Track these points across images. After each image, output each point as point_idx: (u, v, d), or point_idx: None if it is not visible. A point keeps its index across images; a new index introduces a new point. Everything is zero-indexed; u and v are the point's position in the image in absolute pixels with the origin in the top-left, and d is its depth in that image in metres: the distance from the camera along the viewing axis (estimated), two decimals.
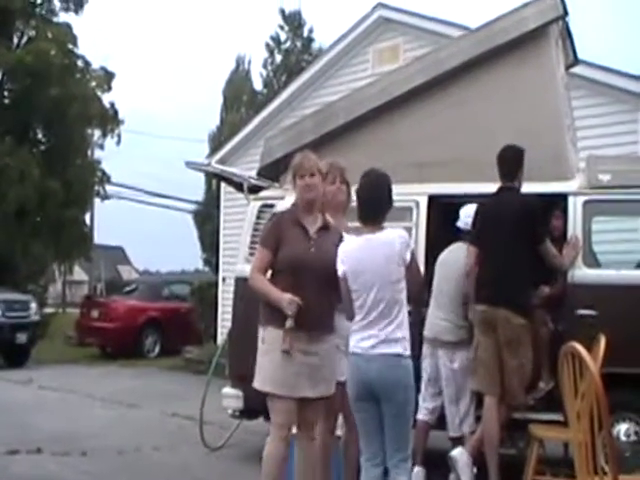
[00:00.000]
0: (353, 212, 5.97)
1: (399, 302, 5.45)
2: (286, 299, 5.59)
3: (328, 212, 6.37)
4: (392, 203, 5.68)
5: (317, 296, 5.73)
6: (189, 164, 10.52)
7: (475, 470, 7.13)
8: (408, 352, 5.46)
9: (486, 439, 7.07)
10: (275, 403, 5.73)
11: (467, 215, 7.68)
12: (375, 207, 5.64)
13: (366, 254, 5.50)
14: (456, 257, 7.59)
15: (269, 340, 5.75)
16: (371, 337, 5.40)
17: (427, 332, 7.66)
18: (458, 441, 7.53)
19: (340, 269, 5.59)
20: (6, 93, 27.10)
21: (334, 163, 6.59)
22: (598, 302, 7.23)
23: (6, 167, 23.53)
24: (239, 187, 9.62)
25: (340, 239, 5.93)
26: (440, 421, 7.73)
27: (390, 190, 5.65)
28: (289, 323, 5.58)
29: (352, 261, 5.55)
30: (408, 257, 5.47)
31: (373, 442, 5.54)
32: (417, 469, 7.33)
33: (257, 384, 5.81)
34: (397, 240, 5.49)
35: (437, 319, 7.62)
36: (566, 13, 8.45)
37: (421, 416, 7.60)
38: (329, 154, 8.38)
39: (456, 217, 7.82)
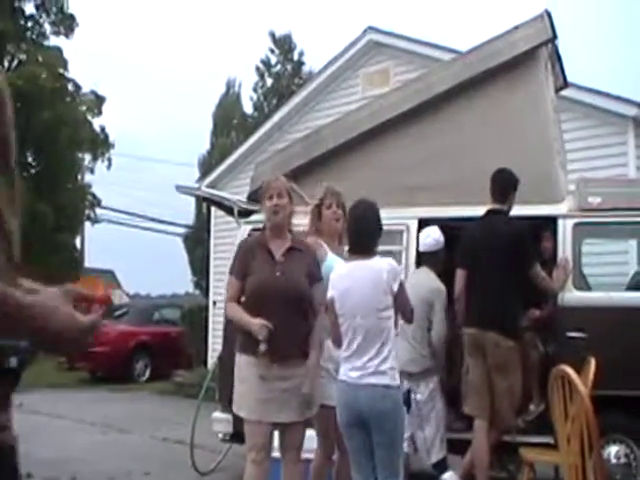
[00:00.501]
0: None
1: (385, 330, 5.46)
2: (256, 324, 5.56)
3: (324, 238, 6.40)
4: (381, 232, 5.72)
5: (287, 320, 5.68)
6: (180, 188, 10.54)
7: None
8: (396, 382, 5.47)
9: (476, 462, 7.07)
10: (248, 427, 5.76)
11: (426, 236, 7.70)
12: (364, 238, 5.68)
13: (353, 280, 5.53)
14: (417, 281, 7.54)
15: (243, 366, 5.79)
16: (358, 368, 5.42)
17: None
18: (437, 466, 7.52)
19: (329, 293, 5.62)
20: None
21: (330, 188, 6.60)
22: (588, 324, 7.25)
23: None
24: (229, 211, 9.63)
25: (313, 259, 5.99)
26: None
27: (379, 219, 5.69)
28: (262, 347, 5.55)
29: (339, 286, 5.58)
30: (396, 287, 5.48)
31: (364, 468, 5.53)
32: None
33: (234, 408, 5.89)
34: (385, 268, 5.51)
35: (401, 349, 7.56)
36: (555, 36, 8.50)
37: None
38: (319, 178, 8.42)
39: (447, 240, 7.82)
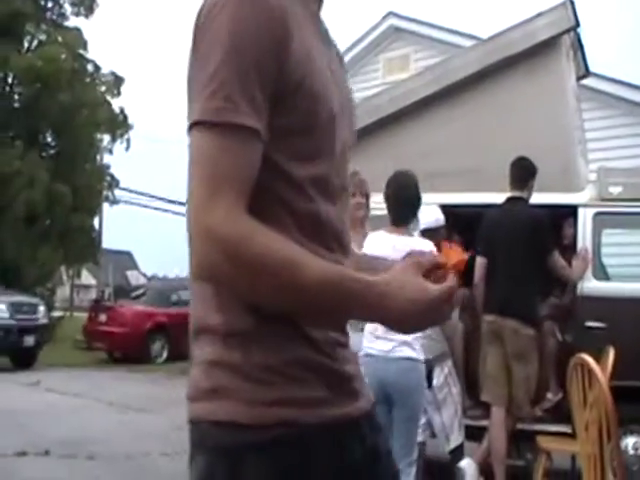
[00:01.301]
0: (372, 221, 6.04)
1: None
2: None
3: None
4: (421, 201, 5.75)
5: None
6: None
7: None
8: (422, 356, 5.53)
9: (493, 450, 7.08)
10: None
11: (427, 215, 7.66)
12: (406, 207, 5.68)
13: (395, 252, 5.46)
14: None
15: None
16: (390, 340, 5.44)
17: None
18: (453, 453, 7.52)
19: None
20: (16, 97, 27.20)
21: (354, 175, 6.56)
22: (607, 314, 7.24)
23: (16, 171, 23.60)
24: None
25: None
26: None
27: (418, 189, 5.71)
28: None
29: (379, 252, 5.50)
30: None
31: None
32: None
33: None
34: (424, 247, 5.54)
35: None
36: (578, 24, 8.47)
37: None
38: None
39: (466, 227, 7.83)
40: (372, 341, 5.55)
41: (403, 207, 5.74)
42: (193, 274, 1.69)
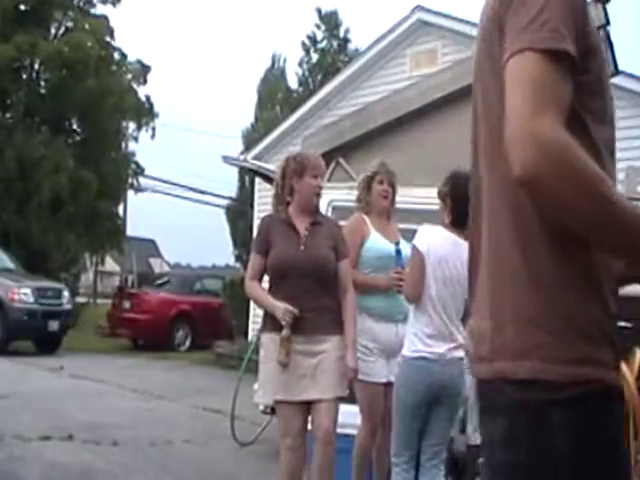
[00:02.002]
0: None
1: (461, 310, 5.51)
2: (281, 308, 5.43)
3: (371, 215, 6.40)
4: None
5: (312, 295, 5.58)
6: (227, 159, 10.64)
7: None
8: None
9: None
10: (280, 410, 5.61)
11: None
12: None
13: (455, 255, 5.38)
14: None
15: (266, 346, 5.63)
16: (446, 342, 5.41)
17: None
18: (476, 448, 7.52)
19: (423, 248, 5.46)
20: (43, 83, 27.35)
21: (384, 164, 6.55)
22: (634, 314, 7.22)
23: (41, 158, 23.75)
24: None
25: (340, 234, 5.86)
26: None
27: None
28: (285, 333, 5.42)
29: (439, 250, 5.46)
30: None
31: (413, 446, 5.56)
32: None
33: (257, 397, 5.83)
34: None
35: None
36: (608, 22, 8.42)
37: None
38: (366, 155, 8.48)
39: None
40: (426, 343, 5.45)
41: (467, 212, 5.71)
42: (515, 179, 1.72)
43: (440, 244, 5.49)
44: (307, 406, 5.56)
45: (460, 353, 5.44)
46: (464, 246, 5.51)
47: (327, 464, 5.59)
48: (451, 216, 5.55)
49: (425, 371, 5.44)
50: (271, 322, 5.54)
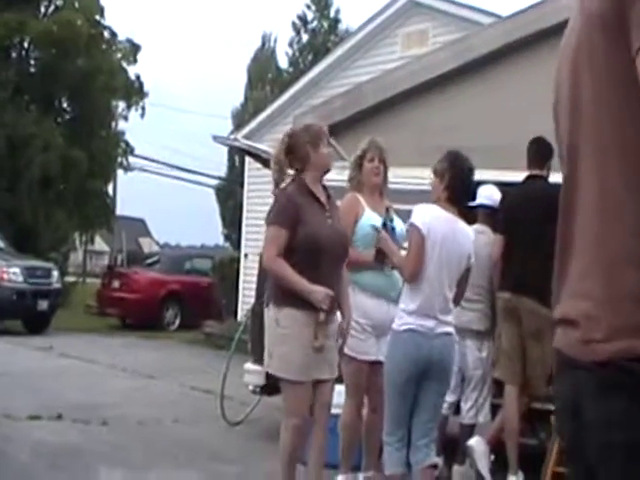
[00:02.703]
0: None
1: (454, 289, 5.59)
2: (321, 292, 5.34)
3: (364, 193, 6.42)
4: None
5: (332, 275, 5.56)
6: (217, 138, 10.63)
7: (492, 458, 7.17)
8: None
9: (506, 428, 7.09)
10: (292, 390, 5.52)
11: (493, 192, 7.64)
12: (467, 192, 5.72)
13: (452, 232, 5.55)
14: (483, 241, 7.51)
15: (286, 323, 5.42)
16: (432, 318, 5.48)
17: (454, 321, 7.48)
18: (469, 428, 7.55)
19: (423, 228, 5.51)
20: (32, 62, 27.24)
21: (374, 141, 6.57)
22: None
23: (31, 136, 23.66)
24: (266, 163, 9.67)
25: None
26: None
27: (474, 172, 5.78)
28: (322, 317, 5.38)
29: (438, 229, 5.54)
30: (472, 258, 5.59)
31: (404, 424, 5.60)
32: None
33: (275, 370, 5.55)
34: (471, 236, 5.76)
35: (466, 308, 7.56)
36: None
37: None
38: (357, 135, 8.47)
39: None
40: (414, 316, 5.52)
41: (467, 187, 5.77)
42: None
43: (438, 224, 5.57)
44: (314, 385, 5.57)
45: (449, 329, 5.48)
46: (459, 224, 5.58)
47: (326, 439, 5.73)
48: (447, 192, 5.63)
49: (412, 343, 5.49)
50: (291, 297, 5.41)
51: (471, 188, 5.81)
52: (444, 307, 5.51)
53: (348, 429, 6.38)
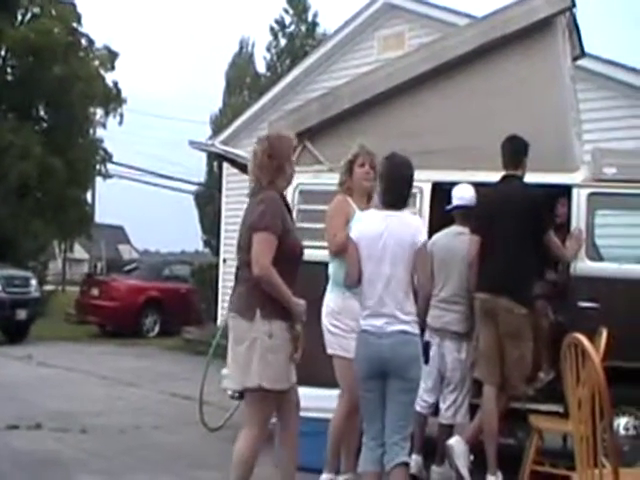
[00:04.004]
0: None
1: (407, 282, 5.59)
2: (302, 306, 5.47)
3: (354, 196, 6.46)
4: (412, 187, 5.82)
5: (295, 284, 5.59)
6: (193, 144, 10.60)
7: (472, 458, 7.17)
8: (417, 331, 5.62)
9: (485, 428, 7.10)
10: (270, 400, 5.49)
11: (466, 191, 7.67)
12: (401, 190, 5.74)
13: (386, 228, 5.60)
14: (462, 242, 7.52)
15: (278, 334, 5.40)
16: (382, 316, 5.53)
17: (433, 322, 7.46)
18: (448, 428, 7.56)
19: (354, 236, 5.71)
20: (9, 70, 27.13)
21: (364, 147, 6.64)
22: (600, 295, 7.27)
23: (9, 144, 23.56)
24: (243, 168, 9.65)
25: None
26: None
27: (412, 174, 5.77)
28: (299, 329, 5.49)
29: (369, 232, 5.65)
30: (420, 242, 5.58)
31: (376, 422, 5.61)
32: (415, 457, 7.34)
33: (268, 383, 5.39)
34: (415, 222, 5.71)
35: (445, 309, 7.58)
36: (574, 5, 8.45)
37: (419, 408, 7.33)
38: (333, 138, 8.48)
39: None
40: (365, 318, 5.63)
41: (400, 192, 5.78)
42: None
43: (370, 224, 5.71)
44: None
45: (403, 327, 5.49)
46: (399, 218, 5.63)
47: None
48: (383, 196, 5.76)
49: (364, 343, 5.62)
50: (279, 308, 5.40)
51: (406, 193, 5.80)
52: (398, 305, 5.54)
53: (338, 430, 6.42)
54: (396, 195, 5.75)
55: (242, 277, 5.59)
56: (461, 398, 7.55)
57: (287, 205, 5.73)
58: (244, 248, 5.52)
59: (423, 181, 7.98)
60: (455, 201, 7.65)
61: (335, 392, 6.54)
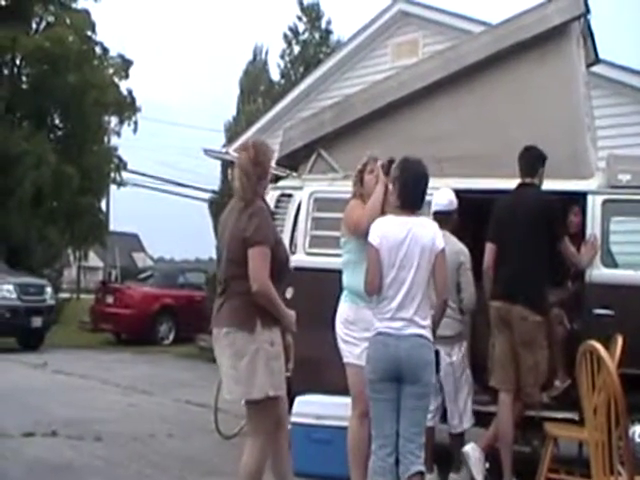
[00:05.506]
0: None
1: (426, 287, 5.60)
2: (292, 316, 5.56)
3: (365, 203, 6.49)
4: (427, 191, 5.84)
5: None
6: (207, 151, 10.61)
7: (487, 465, 7.15)
8: (432, 338, 5.61)
9: (500, 436, 7.09)
10: (273, 407, 5.53)
11: (440, 197, 7.65)
12: (419, 194, 5.74)
13: (407, 234, 5.58)
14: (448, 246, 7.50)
15: (277, 341, 5.49)
16: (401, 320, 5.52)
17: None
18: (459, 437, 7.54)
19: (374, 242, 5.65)
20: (24, 78, 27.25)
21: (372, 155, 6.67)
22: (615, 302, 7.24)
23: (23, 152, 23.62)
24: None
25: None
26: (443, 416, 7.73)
27: (428, 177, 5.78)
28: (290, 339, 5.66)
29: (391, 237, 5.62)
30: (440, 246, 5.59)
31: (385, 427, 5.56)
32: (430, 477, 7.25)
33: (273, 391, 5.42)
34: (434, 227, 5.72)
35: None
36: (588, 11, 8.44)
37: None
38: (347, 146, 8.47)
39: (473, 212, 7.82)
40: (382, 321, 5.60)
41: (418, 193, 5.78)
42: None
43: (390, 230, 5.67)
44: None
45: (421, 331, 5.49)
46: (414, 223, 5.61)
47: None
48: (399, 200, 5.74)
49: (381, 345, 5.58)
50: (274, 317, 5.47)
51: (423, 194, 5.81)
52: (417, 309, 5.53)
53: (354, 437, 6.38)
54: (413, 197, 5.75)
55: (234, 290, 5.51)
56: (462, 403, 7.53)
57: (272, 213, 5.82)
58: (235, 261, 5.46)
59: (438, 188, 7.99)
60: (433, 207, 7.66)
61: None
